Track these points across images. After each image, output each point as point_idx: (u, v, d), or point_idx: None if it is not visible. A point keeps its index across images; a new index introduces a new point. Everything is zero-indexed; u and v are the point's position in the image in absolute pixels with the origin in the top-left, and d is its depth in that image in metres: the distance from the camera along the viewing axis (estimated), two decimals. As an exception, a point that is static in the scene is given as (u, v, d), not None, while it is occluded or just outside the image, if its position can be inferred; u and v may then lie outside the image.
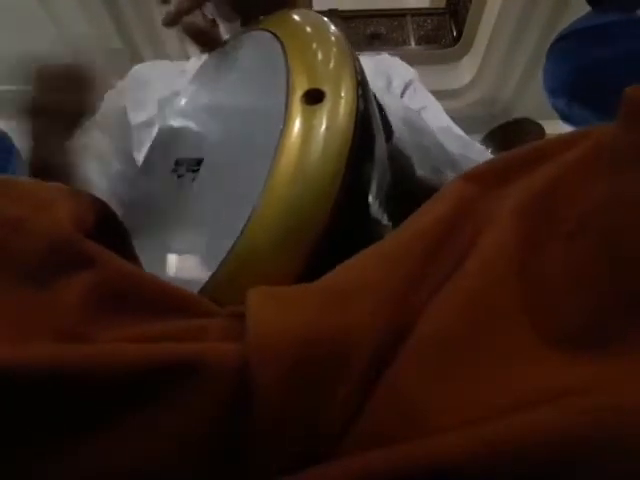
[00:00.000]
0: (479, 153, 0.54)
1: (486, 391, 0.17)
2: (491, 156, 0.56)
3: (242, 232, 0.28)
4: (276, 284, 0.27)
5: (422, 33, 4.27)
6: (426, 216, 0.25)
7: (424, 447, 0.16)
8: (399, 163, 0.43)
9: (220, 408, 0.18)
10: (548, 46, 1.15)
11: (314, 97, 0.28)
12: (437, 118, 0.64)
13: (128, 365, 0.18)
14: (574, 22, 1.14)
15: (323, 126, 0.28)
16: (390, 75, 0.68)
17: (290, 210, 0.28)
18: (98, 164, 0.52)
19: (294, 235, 0.28)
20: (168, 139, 0.46)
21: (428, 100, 0.68)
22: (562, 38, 1.13)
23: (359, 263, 0.24)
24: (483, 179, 0.26)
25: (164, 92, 0.59)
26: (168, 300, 0.23)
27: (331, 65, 0.30)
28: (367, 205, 0.32)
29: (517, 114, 2.03)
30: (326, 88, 0.28)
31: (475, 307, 0.19)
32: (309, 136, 0.28)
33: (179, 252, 0.36)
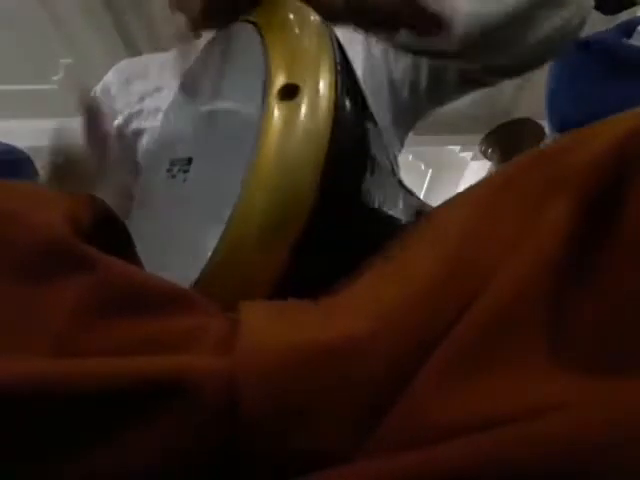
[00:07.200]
0: None
1: (499, 401, 0.18)
2: None
3: (225, 228, 0.29)
4: (262, 277, 0.27)
5: (423, 33, 4.25)
6: (452, 226, 0.24)
7: (439, 452, 0.17)
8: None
9: (206, 425, 0.18)
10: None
11: (289, 92, 0.28)
12: None
13: (111, 383, 0.18)
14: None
15: (298, 122, 0.28)
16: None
17: (269, 209, 0.28)
18: None
19: (276, 230, 0.28)
20: (163, 140, 0.46)
21: None
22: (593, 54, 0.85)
23: (370, 290, 0.23)
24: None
25: (145, 87, 0.59)
26: (165, 300, 0.23)
27: (308, 58, 0.30)
28: (355, 199, 0.31)
29: (517, 114, 2.02)
30: (301, 82, 0.28)
31: (497, 322, 0.19)
32: (284, 132, 0.28)
33: (172, 248, 0.36)
